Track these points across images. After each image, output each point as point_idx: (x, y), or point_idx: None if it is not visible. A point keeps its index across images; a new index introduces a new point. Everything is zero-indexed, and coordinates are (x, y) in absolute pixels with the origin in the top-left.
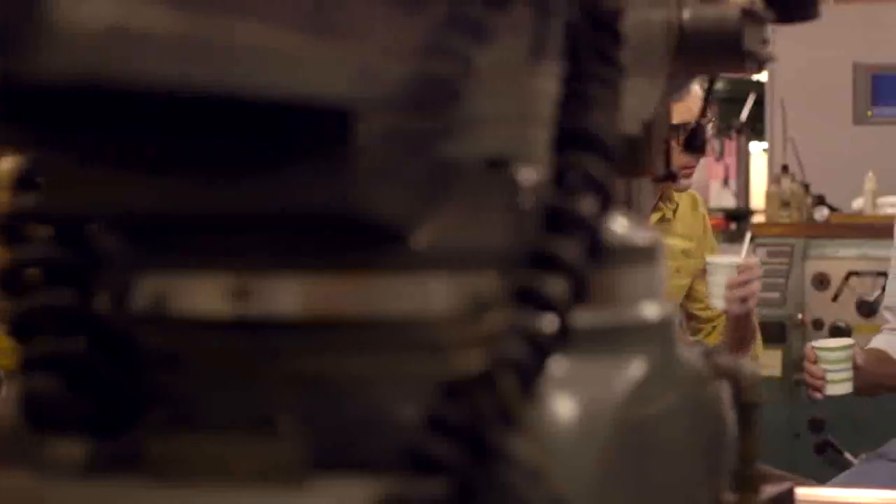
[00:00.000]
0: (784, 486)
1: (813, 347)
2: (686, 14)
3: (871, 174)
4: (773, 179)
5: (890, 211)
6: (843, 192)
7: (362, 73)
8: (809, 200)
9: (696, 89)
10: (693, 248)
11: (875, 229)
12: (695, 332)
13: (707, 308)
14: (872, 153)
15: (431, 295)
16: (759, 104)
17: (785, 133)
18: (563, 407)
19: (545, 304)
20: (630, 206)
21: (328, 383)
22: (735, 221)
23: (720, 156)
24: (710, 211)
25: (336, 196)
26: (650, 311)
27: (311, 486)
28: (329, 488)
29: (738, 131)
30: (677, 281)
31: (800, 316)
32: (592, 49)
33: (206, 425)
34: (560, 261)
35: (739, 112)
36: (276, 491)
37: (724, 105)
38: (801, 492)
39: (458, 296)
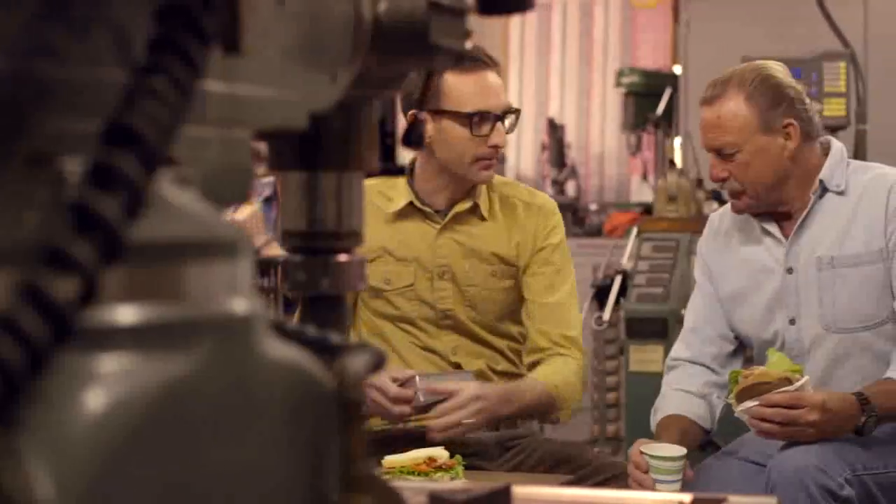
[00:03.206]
0: (499, 485)
1: (644, 454)
2: (382, 7)
3: None
4: (661, 174)
5: None
6: None
7: None
8: (702, 195)
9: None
10: (514, 256)
11: None
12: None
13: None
14: None
15: None
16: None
17: (677, 127)
18: (64, 406)
19: (44, 303)
20: (340, 198)
21: None
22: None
23: (636, 150)
24: (630, 206)
25: None
26: (226, 306)
27: None
28: None
29: (655, 125)
30: (495, 284)
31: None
32: (168, 44)
33: None
34: (68, 260)
35: (656, 106)
36: None
37: (641, 99)
38: (524, 490)
39: None
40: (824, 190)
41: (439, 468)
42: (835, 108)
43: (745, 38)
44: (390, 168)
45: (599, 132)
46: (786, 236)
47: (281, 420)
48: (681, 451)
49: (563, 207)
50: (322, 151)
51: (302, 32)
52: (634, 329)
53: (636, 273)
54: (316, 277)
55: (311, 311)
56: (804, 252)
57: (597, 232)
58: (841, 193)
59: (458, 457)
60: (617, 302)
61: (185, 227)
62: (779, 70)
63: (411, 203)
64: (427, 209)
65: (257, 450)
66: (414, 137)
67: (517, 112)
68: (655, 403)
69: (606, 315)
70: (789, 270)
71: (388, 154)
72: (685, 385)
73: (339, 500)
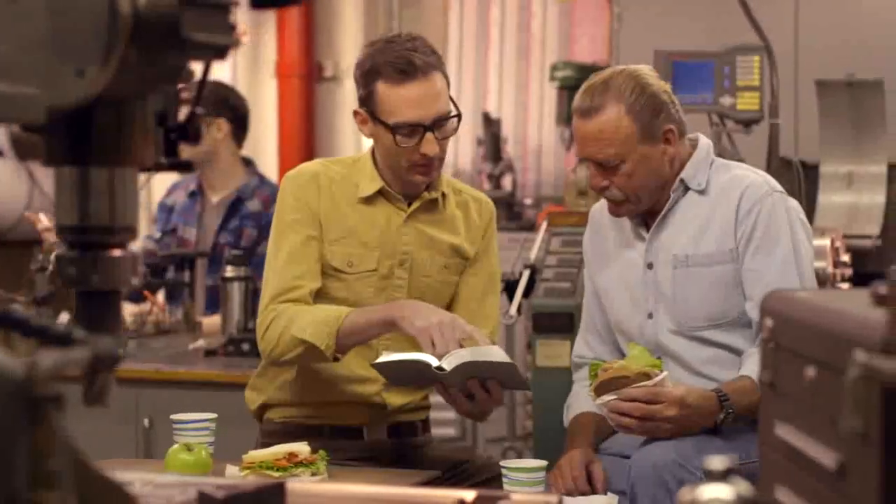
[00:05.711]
0: (271, 482)
1: (502, 467)
2: (142, 1)
3: None
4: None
5: None
6: None
7: None
8: None
9: None
10: (467, 250)
11: None
12: None
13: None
14: None
15: None
16: None
17: None
18: None
19: None
20: (112, 194)
21: None
22: None
23: (571, 144)
24: (563, 200)
25: None
26: None
27: None
28: None
29: None
30: (445, 277)
31: None
32: None
33: None
34: None
35: None
36: None
37: (575, 93)
38: (300, 486)
39: None
40: (686, 188)
41: (300, 463)
42: (748, 102)
43: (676, 32)
44: (173, 163)
45: (537, 127)
46: (649, 232)
47: None
48: (540, 463)
49: (499, 202)
50: (92, 147)
51: (41, 28)
52: (541, 324)
53: (544, 268)
54: (86, 273)
55: (82, 306)
56: (663, 249)
57: (531, 226)
58: (702, 192)
59: (323, 452)
60: (527, 296)
61: None
62: (651, 75)
63: (381, 189)
64: (396, 195)
65: None
66: (190, 133)
67: (456, 116)
68: (567, 400)
69: (513, 310)
70: (649, 266)
71: (171, 149)
72: None
73: (29, 499)
